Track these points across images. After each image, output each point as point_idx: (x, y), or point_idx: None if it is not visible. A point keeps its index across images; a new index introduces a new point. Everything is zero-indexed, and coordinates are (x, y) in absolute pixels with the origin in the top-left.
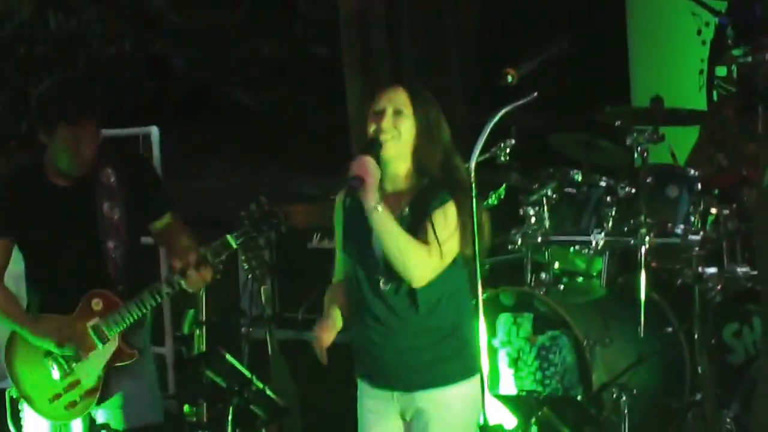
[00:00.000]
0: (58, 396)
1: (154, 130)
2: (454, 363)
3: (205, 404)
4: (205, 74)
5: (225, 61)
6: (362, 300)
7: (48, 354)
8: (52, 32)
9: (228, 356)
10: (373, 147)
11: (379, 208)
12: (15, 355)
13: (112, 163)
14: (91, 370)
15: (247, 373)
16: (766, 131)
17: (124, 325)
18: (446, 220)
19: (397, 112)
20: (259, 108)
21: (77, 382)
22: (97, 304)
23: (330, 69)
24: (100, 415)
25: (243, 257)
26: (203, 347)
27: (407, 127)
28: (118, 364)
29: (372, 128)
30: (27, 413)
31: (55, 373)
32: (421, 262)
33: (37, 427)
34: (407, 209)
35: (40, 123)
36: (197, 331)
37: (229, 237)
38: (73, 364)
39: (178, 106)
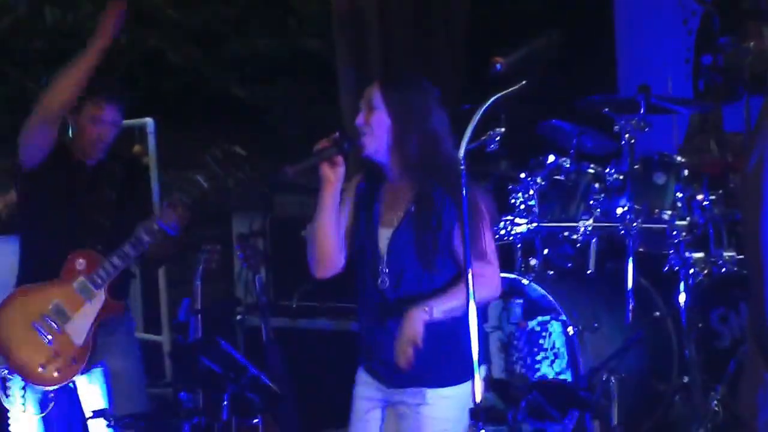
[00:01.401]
0: (48, 362)
1: (150, 122)
2: (448, 366)
3: (201, 391)
4: (200, 68)
5: (219, 54)
6: (364, 290)
7: (37, 319)
8: (48, 27)
9: (224, 343)
10: (340, 144)
11: (428, 311)
12: (4, 326)
13: (122, 160)
14: (80, 328)
15: (243, 361)
16: (751, 119)
17: (110, 278)
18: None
19: (370, 108)
20: (252, 101)
21: (67, 343)
22: (80, 263)
23: (323, 63)
24: (88, 393)
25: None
26: (199, 335)
27: (379, 121)
28: (108, 316)
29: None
30: (15, 387)
31: (45, 338)
32: (485, 291)
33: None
34: (413, 207)
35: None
36: (193, 319)
37: (198, 177)
38: (56, 323)
39: (173, 98)
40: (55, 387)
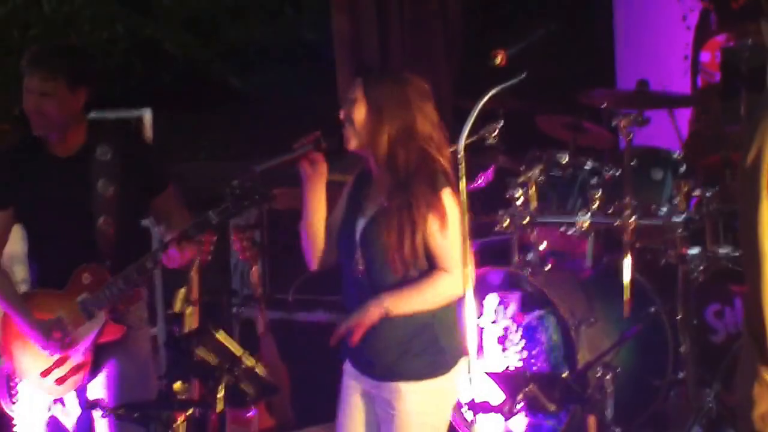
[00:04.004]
0: (48, 371)
1: (147, 113)
2: (422, 360)
3: (195, 381)
4: (197, 57)
5: (216, 44)
6: (344, 279)
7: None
8: (45, 16)
9: (218, 334)
10: (318, 141)
11: (385, 305)
12: (10, 330)
13: (109, 141)
14: (80, 345)
15: (238, 352)
16: (748, 114)
17: (111, 301)
18: (440, 232)
19: (351, 101)
20: (250, 92)
21: (66, 358)
22: (86, 278)
23: (321, 54)
24: (93, 392)
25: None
26: (194, 325)
27: (358, 114)
28: (106, 340)
29: None
30: (22, 391)
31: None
32: (443, 292)
33: (31, 407)
34: (385, 201)
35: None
36: (188, 310)
37: (210, 213)
38: (64, 339)
39: (169, 89)
40: (56, 396)
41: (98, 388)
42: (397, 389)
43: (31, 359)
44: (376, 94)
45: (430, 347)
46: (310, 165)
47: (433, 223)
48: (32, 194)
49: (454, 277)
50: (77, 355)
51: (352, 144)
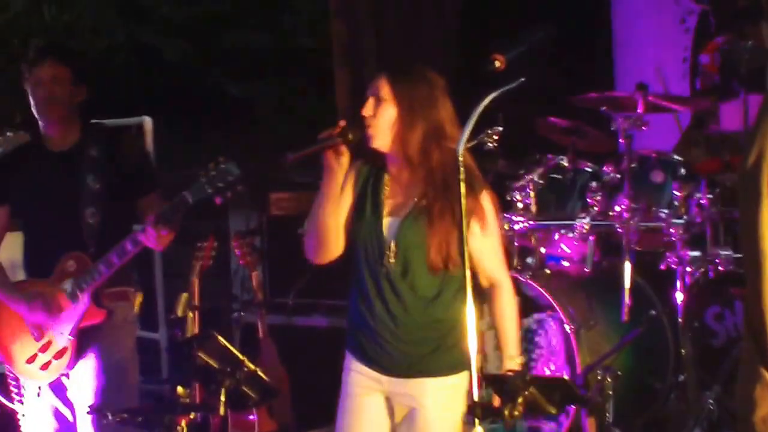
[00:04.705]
0: (34, 357)
1: (147, 120)
2: (452, 355)
3: (197, 385)
4: (194, 65)
5: (213, 51)
6: (365, 282)
7: None
8: (46, 24)
9: (220, 338)
10: (345, 133)
11: (516, 359)
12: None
13: (102, 141)
14: (63, 329)
15: (239, 356)
16: (748, 117)
17: (93, 283)
18: (482, 233)
19: (378, 99)
20: (248, 98)
21: (50, 343)
22: (71, 265)
23: (318, 59)
24: (72, 386)
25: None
26: (196, 330)
27: (386, 113)
28: (88, 324)
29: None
30: (28, 392)
31: (33, 334)
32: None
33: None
34: (421, 199)
35: (22, 78)
36: (190, 314)
37: (185, 193)
38: (50, 324)
39: (169, 96)
40: (42, 381)
41: (75, 384)
42: (423, 385)
43: (18, 345)
44: (406, 93)
45: (457, 344)
46: (335, 156)
47: (474, 225)
48: (26, 188)
49: (509, 281)
50: (61, 339)
51: (377, 142)
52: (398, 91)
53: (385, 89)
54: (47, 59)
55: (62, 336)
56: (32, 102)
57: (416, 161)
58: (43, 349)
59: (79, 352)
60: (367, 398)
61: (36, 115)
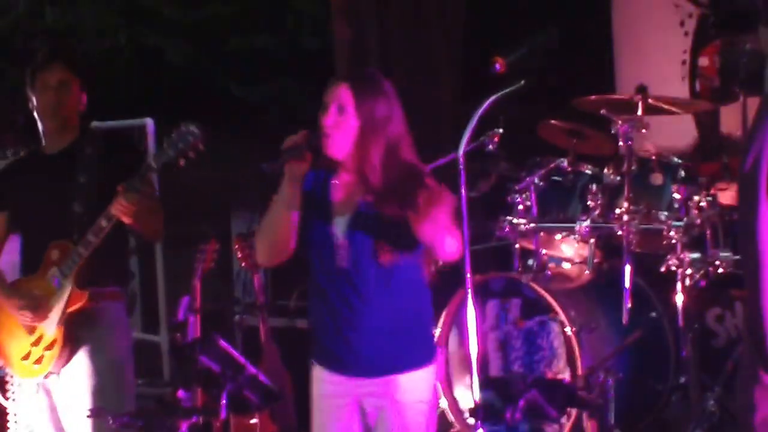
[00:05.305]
0: (28, 354)
1: (149, 122)
2: (416, 349)
3: (199, 389)
4: (199, 67)
5: (218, 53)
6: (322, 282)
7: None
8: (48, 26)
9: (222, 342)
10: (310, 141)
11: None
12: None
13: (93, 144)
14: (52, 318)
15: (241, 358)
16: (747, 119)
17: (75, 266)
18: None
19: (340, 109)
20: (251, 100)
21: (41, 336)
22: (55, 254)
23: (322, 62)
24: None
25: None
26: (198, 333)
27: (348, 125)
28: (73, 309)
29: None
30: (18, 391)
31: (27, 330)
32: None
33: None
34: (370, 197)
35: (26, 83)
36: (192, 318)
37: (149, 160)
38: (41, 317)
39: (171, 98)
40: (37, 377)
41: (67, 386)
42: (396, 381)
43: (14, 344)
44: (367, 108)
45: (424, 336)
46: (299, 165)
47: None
48: (23, 192)
49: (457, 238)
50: (50, 330)
51: (334, 151)
52: (360, 104)
53: (348, 100)
54: (56, 63)
55: (51, 326)
56: (37, 106)
57: (374, 177)
58: (36, 343)
59: (67, 342)
60: (339, 409)
61: (39, 120)
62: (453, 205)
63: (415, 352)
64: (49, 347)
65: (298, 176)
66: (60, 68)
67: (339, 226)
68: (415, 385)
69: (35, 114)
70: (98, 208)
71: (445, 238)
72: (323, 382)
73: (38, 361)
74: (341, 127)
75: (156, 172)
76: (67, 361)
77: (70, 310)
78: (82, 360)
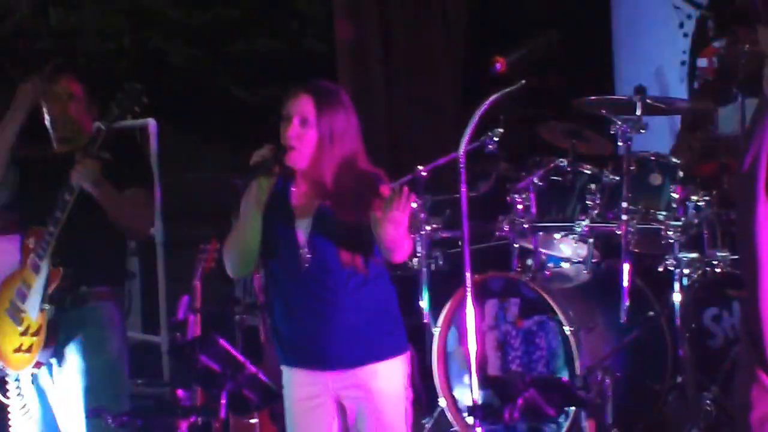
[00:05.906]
0: (20, 345)
1: (152, 123)
2: (390, 338)
3: (199, 388)
4: (202, 69)
5: (221, 56)
6: (286, 284)
7: (7, 307)
8: (52, 27)
9: (222, 341)
10: (277, 155)
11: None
12: None
13: (99, 138)
14: (34, 302)
15: (241, 359)
16: (745, 120)
17: (49, 246)
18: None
19: (303, 122)
20: (254, 103)
21: (29, 324)
22: (31, 242)
23: (324, 64)
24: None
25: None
26: (197, 333)
27: (310, 138)
28: (52, 289)
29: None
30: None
31: (15, 323)
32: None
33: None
34: (328, 201)
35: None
36: (192, 317)
37: (98, 123)
38: (20, 304)
39: (174, 100)
40: (29, 366)
41: (60, 384)
42: (373, 371)
43: (7, 339)
44: (327, 120)
45: (395, 327)
46: (266, 179)
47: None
48: (27, 195)
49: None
50: (35, 314)
51: (295, 162)
52: (321, 116)
53: (310, 113)
54: (66, 75)
55: (34, 311)
56: (47, 117)
57: (330, 186)
58: (25, 332)
59: (51, 330)
60: (317, 409)
61: (49, 129)
62: (410, 211)
63: (387, 342)
64: (36, 333)
65: (265, 189)
66: (70, 78)
67: (301, 228)
68: (390, 374)
69: (47, 123)
70: (87, 196)
71: (404, 243)
72: (298, 384)
73: (28, 349)
74: (303, 139)
75: (105, 132)
76: (54, 352)
77: (50, 290)
78: (75, 359)
